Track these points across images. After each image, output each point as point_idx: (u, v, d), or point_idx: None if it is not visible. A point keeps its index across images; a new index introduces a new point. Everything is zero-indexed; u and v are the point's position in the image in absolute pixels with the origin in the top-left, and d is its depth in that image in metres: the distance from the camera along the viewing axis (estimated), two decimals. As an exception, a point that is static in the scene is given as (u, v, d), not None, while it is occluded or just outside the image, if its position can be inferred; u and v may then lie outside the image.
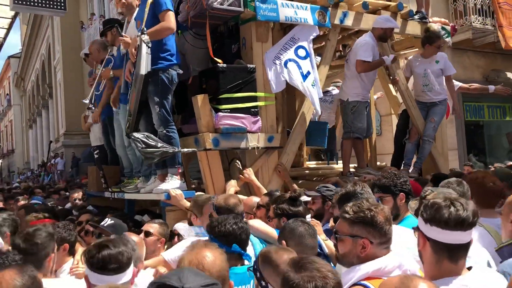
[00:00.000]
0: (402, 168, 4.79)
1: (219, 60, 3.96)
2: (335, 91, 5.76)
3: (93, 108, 4.87)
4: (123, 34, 4.07)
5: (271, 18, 4.10)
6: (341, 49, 5.94)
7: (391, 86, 5.44)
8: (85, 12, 19.67)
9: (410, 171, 4.77)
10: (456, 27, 5.61)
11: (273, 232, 2.81)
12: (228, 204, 2.91)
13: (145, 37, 3.61)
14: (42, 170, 23.07)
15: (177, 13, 4.08)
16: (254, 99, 4.03)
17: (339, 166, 5.41)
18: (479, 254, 2.09)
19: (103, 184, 4.80)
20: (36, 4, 7.42)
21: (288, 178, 4.16)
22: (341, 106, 4.78)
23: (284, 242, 2.27)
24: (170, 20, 3.73)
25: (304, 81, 4.15)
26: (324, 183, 3.86)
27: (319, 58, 4.70)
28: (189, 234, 3.04)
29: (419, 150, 4.96)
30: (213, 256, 1.66)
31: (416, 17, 4.96)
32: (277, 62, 4.14)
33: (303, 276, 1.47)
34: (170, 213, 3.67)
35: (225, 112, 3.88)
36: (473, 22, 9.85)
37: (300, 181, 4.70)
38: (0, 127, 44.45)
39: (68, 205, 6.34)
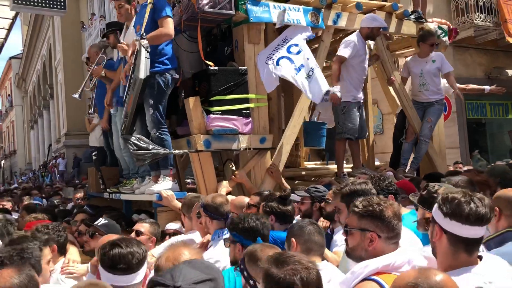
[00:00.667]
0: (399, 168, 4.85)
1: (211, 63, 4.04)
2: None
3: (94, 113, 4.98)
4: (121, 41, 4.17)
5: (264, 20, 4.16)
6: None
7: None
8: (86, 12, 19.82)
9: (406, 170, 4.82)
10: (457, 30, 5.65)
11: None
12: (215, 203, 2.99)
13: (145, 42, 3.72)
14: (43, 170, 23.27)
15: None
16: (246, 100, 4.10)
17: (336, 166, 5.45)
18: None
19: (101, 185, 4.91)
20: (36, 4, 7.44)
21: (280, 179, 4.22)
22: (333, 107, 4.85)
23: (293, 240, 2.30)
24: (169, 26, 3.85)
25: (296, 74, 4.19)
26: (316, 184, 3.93)
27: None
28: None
29: (415, 150, 5.01)
30: (189, 254, 1.71)
31: (412, 16, 5.00)
32: (269, 62, 4.19)
33: (286, 270, 1.51)
34: (161, 213, 3.76)
35: (217, 114, 3.96)
36: (475, 20, 9.86)
37: (296, 182, 4.77)
38: (2, 128, 44.87)
39: (71, 204, 6.50)
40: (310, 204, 3.46)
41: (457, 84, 5.31)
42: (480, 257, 1.73)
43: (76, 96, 4.95)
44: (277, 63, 4.19)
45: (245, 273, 2.06)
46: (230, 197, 3.82)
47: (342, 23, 4.58)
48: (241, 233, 2.40)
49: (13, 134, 38.51)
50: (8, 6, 7.81)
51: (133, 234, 3.09)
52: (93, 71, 4.81)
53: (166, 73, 3.93)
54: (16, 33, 36.10)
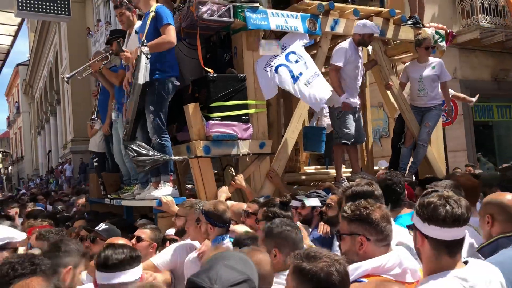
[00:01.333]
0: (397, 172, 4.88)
1: (210, 70, 4.13)
2: None
3: (96, 119, 5.11)
4: (124, 48, 4.29)
5: (262, 27, 4.25)
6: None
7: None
8: (92, 18, 20.14)
9: (405, 175, 4.87)
10: (454, 33, 5.70)
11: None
12: (218, 210, 2.99)
13: (145, 49, 3.82)
14: (50, 176, 23.58)
15: None
16: (245, 106, 4.18)
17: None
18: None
19: (102, 191, 5.02)
20: (40, 10, 7.51)
21: (280, 184, 4.29)
22: (329, 112, 4.93)
23: (276, 250, 2.26)
24: (171, 34, 3.94)
25: (294, 83, 4.27)
26: (316, 189, 4.01)
27: None
28: None
29: (414, 154, 5.06)
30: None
31: (409, 22, 5.08)
32: (268, 69, 4.28)
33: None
34: (162, 219, 3.83)
35: (216, 120, 4.04)
36: (481, 22, 9.85)
37: (295, 186, 4.85)
38: (9, 134, 45.52)
39: (74, 210, 6.63)
40: (310, 209, 3.53)
41: (454, 92, 5.36)
42: (466, 262, 1.75)
43: (67, 75, 5.12)
44: (276, 71, 4.28)
45: None
46: (229, 203, 3.92)
47: (340, 29, 4.66)
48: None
49: (21, 140, 39.04)
50: (13, 13, 7.98)
51: (134, 240, 3.12)
52: (91, 64, 4.92)
53: (167, 80, 4.03)
54: (23, 40, 36.71)
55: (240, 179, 4.13)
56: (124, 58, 4.12)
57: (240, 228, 3.10)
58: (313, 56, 4.65)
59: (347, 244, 1.94)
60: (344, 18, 4.70)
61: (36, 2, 7.32)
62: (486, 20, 9.92)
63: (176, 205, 3.80)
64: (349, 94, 4.70)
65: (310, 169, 5.99)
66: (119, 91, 4.54)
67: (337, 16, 4.64)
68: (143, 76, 3.80)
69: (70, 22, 19.45)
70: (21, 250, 3.04)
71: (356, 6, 4.73)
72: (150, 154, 3.79)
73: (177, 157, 4.05)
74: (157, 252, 3.30)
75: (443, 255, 1.69)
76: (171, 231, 3.73)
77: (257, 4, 4.25)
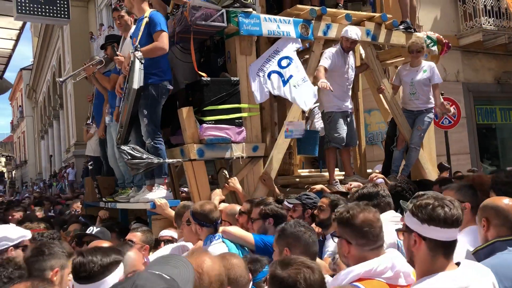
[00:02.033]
0: (390, 175, 4.98)
1: (203, 74, 4.24)
2: None
3: (91, 124, 5.24)
4: (118, 53, 4.42)
5: (254, 32, 4.35)
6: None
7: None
8: (94, 23, 20.39)
9: (397, 177, 4.95)
10: (450, 44, 5.77)
11: (249, 237, 3.04)
12: (204, 210, 3.10)
13: (139, 54, 3.93)
14: (53, 180, 23.80)
15: None
16: (238, 110, 4.27)
17: (329, 174, 5.60)
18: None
19: (97, 194, 5.14)
20: (40, 13, 7.58)
21: (273, 187, 4.38)
22: (322, 116, 5.03)
23: (287, 250, 2.28)
24: (163, 40, 4.04)
25: (284, 86, 4.36)
26: (308, 191, 4.10)
27: None
28: None
29: (406, 157, 5.14)
30: (211, 262, 1.69)
31: (401, 27, 5.18)
32: (261, 74, 4.38)
33: (290, 271, 1.60)
34: (156, 221, 3.94)
35: (210, 123, 4.13)
36: (483, 24, 9.84)
37: (287, 189, 4.94)
38: (13, 138, 46.01)
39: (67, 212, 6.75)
40: (301, 211, 3.61)
41: (441, 100, 5.42)
42: (458, 264, 1.76)
43: (60, 79, 5.29)
44: (269, 77, 4.38)
45: None
46: (223, 205, 4.02)
47: (332, 34, 4.76)
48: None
49: (24, 144, 39.40)
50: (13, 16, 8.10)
51: None
52: (85, 68, 5.05)
53: (160, 85, 4.12)
54: (27, 45, 37.08)
55: (233, 181, 4.22)
56: (118, 62, 4.23)
57: (233, 229, 3.20)
58: (306, 61, 4.76)
59: (338, 247, 1.99)
60: (337, 23, 4.79)
61: (35, 6, 7.38)
62: (489, 23, 9.91)
63: (170, 207, 3.92)
64: (340, 98, 4.78)
65: (304, 172, 6.09)
66: (113, 95, 4.65)
67: (330, 21, 4.75)
68: (137, 81, 3.90)
69: (72, 26, 19.84)
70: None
71: (348, 11, 4.84)
72: (144, 157, 3.90)
73: (171, 160, 4.16)
74: (151, 253, 3.42)
75: (438, 256, 1.71)
76: (165, 233, 3.84)
77: (250, 9, 4.36)
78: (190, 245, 3.29)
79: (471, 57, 10.37)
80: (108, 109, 4.79)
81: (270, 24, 4.44)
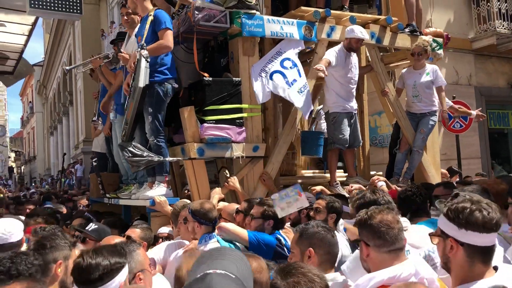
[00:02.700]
0: (392, 177, 5.01)
1: (205, 74, 4.31)
2: None
3: (97, 121, 5.36)
4: (122, 50, 4.52)
5: (257, 34, 4.40)
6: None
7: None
8: (105, 20, 20.65)
9: (400, 180, 4.98)
10: (449, 35, 5.78)
11: (244, 233, 3.09)
12: (204, 208, 3.15)
13: (145, 52, 3.99)
14: (62, 176, 24.12)
15: None
16: (240, 110, 4.33)
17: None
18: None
19: (101, 190, 5.25)
20: (52, 8, 7.65)
21: (272, 187, 4.43)
22: (325, 118, 5.07)
23: (311, 249, 2.24)
24: (168, 38, 4.10)
25: (289, 88, 4.42)
26: (308, 192, 4.16)
27: None
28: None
29: (409, 160, 5.16)
30: None
31: (406, 30, 5.20)
32: (263, 74, 4.44)
33: (289, 282, 1.54)
34: (155, 218, 4.01)
35: (211, 123, 4.20)
36: (497, 27, 9.73)
37: (290, 190, 4.97)
38: (23, 134, 46.74)
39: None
40: (298, 212, 3.67)
41: (452, 104, 5.42)
42: (496, 268, 1.70)
43: (67, 68, 5.43)
44: (271, 77, 4.44)
45: None
46: (222, 204, 4.10)
47: (336, 36, 4.80)
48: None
49: (34, 140, 39.99)
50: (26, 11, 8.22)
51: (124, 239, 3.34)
52: (92, 60, 5.15)
53: (166, 83, 4.20)
54: (38, 41, 37.61)
55: (233, 181, 4.28)
56: (123, 59, 4.30)
57: (229, 225, 3.26)
58: (309, 63, 4.81)
59: (360, 250, 1.99)
60: (341, 25, 4.83)
61: (48, 0, 7.47)
62: (503, 26, 9.78)
63: (170, 205, 4.00)
64: (345, 98, 4.81)
65: (307, 172, 6.13)
66: (118, 92, 4.74)
67: (334, 23, 4.79)
68: (143, 79, 3.96)
69: (84, 23, 20.10)
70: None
71: (353, 14, 4.88)
72: (144, 155, 3.98)
73: (171, 158, 4.24)
74: (149, 250, 3.50)
75: (477, 263, 1.64)
76: (163, 230, 3.92)
77: (254, 11, 4.42)
78: (187, 242, 3.36)
79: (484, 61, 10.24)
80: (113, 105, 4.88)
81: (274, 26, 4.49)
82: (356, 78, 4.97)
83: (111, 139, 5.25)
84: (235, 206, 3.82)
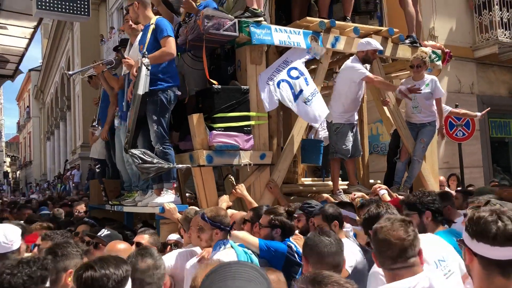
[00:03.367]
0: (392, 186, 5.12)
1: (214, 82, 4.38)
2: None
3: (97, 126, 5.44)
4: (126, 56, 4.62)
5: (266, 42, 4.48)
6: (338, 70, 6.35)
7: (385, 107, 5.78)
8: (105, 25, 20.80)
9: (400, 189, 5.09)
10: (451, 53, 5.93)
11: (255, 241, 3.14)
12: (220, 215, 3.19)
13: (146, 60, 4.05)
14: (58, 181, 24.12)
15: (177, 36, 4.52)
16: (247, 118, 4.40)
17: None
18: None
19: (104, 197, 5.31)
20: (60, 9, 7.47)
21: (279, 194, 4.50)
22: (327, 126, 5.18)
23: (303, 258, 2.30)
24: (171, 46, 4.17)
25: (295, 101, 4.51)
26: (310, 200, 4.24)
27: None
28: None
29: (409, 170, 5.26)
30: None
31: (406, 41, 5.34)
32: (270, 82, 4.51)
33: None
34: (164, 225, 4.03)
35: (219, 130, 4.26)
36: (499, 36, 9.79)
37: (291, 197, 5.08)
38: (19, 138, 46.69)
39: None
40: (306, 220, 3.71)
41: (451, 108, 5.52)
42: None
43: (69, 72, 5.50)
44: (278, 85, 4.53)
45: None
46: (230, 211, 4.18)
47: (340, 46, 4.90)
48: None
49: (30, 145, 39.94)
50: (30, 15, 8.19)
51: (133, 246, 3.23)
52: (94, 66, 5.21)
53: (169, 90, 4.25)
54: (36, 46, 37.52)
55: (241, 188, 4.33)
56: (127, 65, 4.36)
57: (240, 233, 3.29)
58: (314, 71, 4.93)
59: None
60: (345, 35, 4.93)
61: (55, 2, 7.33)
62: (505, 35, 9.85)
63: (179, 212, 4.08)
64: (352, 111, 4.92)
65: (307, 180, 6.22)
66: (121, 98, 4.79)
67: (338, 34, 4.88)
68: (143, 87, 4.02)
69: (83, 28, 20.22)
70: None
71: (356, 24, 4.99)
72: (154, 161, 4.04)
73: (180, 165, 4.30)
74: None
75: (495, 275, 1.55)
76: (172, 237, 3.98)
77: (262, 19, 4.52)
78: (198, 249, 3.39)
79: (486, 70, 10.29)
80: (117, 112, 4.93)
81: (281, 35, 4.57)
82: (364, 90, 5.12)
83: (111, 145, 5.31)
84: (242, 214, 3.87)
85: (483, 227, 1.57)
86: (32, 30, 9.57)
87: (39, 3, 6.90)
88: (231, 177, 4.68)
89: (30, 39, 9.95)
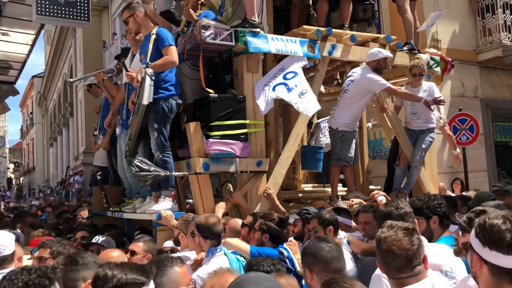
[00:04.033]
0: (391, 192, 5.20)
1: (211, 90, 4.51)
2: None
3: (98, 135, 5.60)
4: (129, 69, 4.76)
5: (262, 50, 4.58)
6: (338, 77, 6.49)
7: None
8: (107, 32, 21.08)
9: (399, 195, 5.16)
10: (453, 62, 6.03)
11: (247, 248, 3.27)
12: (208, 223, 3.31)
13: (150, 71, 4.17)
14: (61, 188, 24.38)
15: (175, 46, 4.62)
16: (244, 126, 4.50)
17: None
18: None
19: (104, 204, 5.46)
20: (60, 15, 7.49)
21: (275, 201, 4.60)
22: (331, 132, 5.29)
23: (307, 270, 2.28)
24: (173, 54, 4.30)
25: (289, 92, 4.59)
26: (308, 206, 4.35)
27: None
28: None
29: (407, 176, 5.35)
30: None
31: (405, 48, 5.45)
32: (266, 88, 4.60)
33: None
34: (160, 232, 4.15)
35: (216, 138, 4.36)
36: (503, 40, 9.84)
37: (291, 204, 5.19)
38: (22, 145, 47.20)
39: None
40: (302, 226, 3.83)
41: (442, 121, 5.58)
42: None
43: (71, 80, 5.66)
44: (273, 89, 4.61)
45: None
46: (226, 218, 4.29)
47: (337, 54, 5.00)
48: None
49: (33, 151, 40.36)
50: (31, 21, 8.30)
51: (128, 255, 3.38)
52: (95, 74, 5.36)
53: (170, 99, 4.37)
54: (39, 52, 38.02)
55: (237, 195, 4.44)
56: (130, 78, 4.47)
57: (232, 241, 3.44)
58: (311, 78, 5.04)
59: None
60: (342, 43, 5.03)
61: (55, 7, 7.38)
62: (508, 38, 9.91)
63: (175, 219, 4.21)
64: (357, 119, 5.07)
65: (307, 187, 6.32)
66: (122, 106, 4.89)
67: (335, 42, 4.98)
68: (147, 97, 4.14)
69: (85, 35, 20.48)
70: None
71: (353, 32, 5.11)
72: (151, 169, 4.17)
73: (177, 173, 4.42)
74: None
75: (505, 284, 1.54)
76: (168, 244, 4.09)
77: (258, 29, 4.65)
78: (193, 254, 3.49)
79: (490, 73, 10.33)
80: (118, 120, 5.06)
81: (277, 43, 4.66)
82: None
83: (113, 153, 5.45)
84: (238, 221, 3.98)
85: (497, 235, 1.54)
86: (34, 36, 9.64)
87: (39, 9, 6.96)
88: (229, 184, 4.79)
89: (32, 46, 10.03)
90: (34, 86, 36.55)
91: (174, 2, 5.82)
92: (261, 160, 4.61)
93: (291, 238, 3.78)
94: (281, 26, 5.59)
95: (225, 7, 5.06)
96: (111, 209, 5.27)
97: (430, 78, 5.52)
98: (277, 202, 4.60)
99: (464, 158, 8.17)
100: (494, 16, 9.96)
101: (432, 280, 1.91)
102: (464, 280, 2.08)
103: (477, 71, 10.27)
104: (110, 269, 1.85)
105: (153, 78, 4.21)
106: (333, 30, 5.01)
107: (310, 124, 6.43)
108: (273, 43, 4.69)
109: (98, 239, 3.57)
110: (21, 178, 45.80)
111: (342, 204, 4.93)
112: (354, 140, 5.10)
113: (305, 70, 5.04)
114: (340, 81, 6.41)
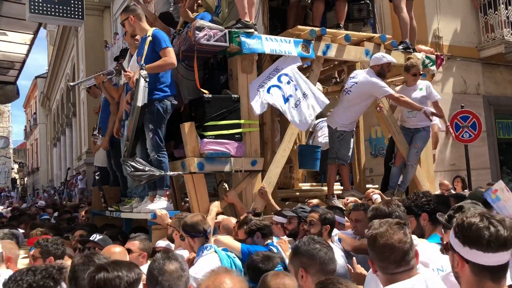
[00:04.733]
0: (387, 191, 5.28)
1: (205, 91, 4.60)
2: None
3: (98, 135, 5.72)
4: (127, 69, 4.86)
5: (256, 50, 4.66)
6: (336, 75, 6.56)
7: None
8: (109, 31, 21.22)
9: (394, 194, 5.24)
10: (443, 57, 6.08)
11: (238, 246, 3.35)
12: (192, 222, 3.42)
13: (144, 72, 4.26)
14: (63, 188, 24.60)
15: None
16: (238, 126, 4.60)
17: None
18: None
19: (102, 203, 5.58)
20: (53, 13, 7.42)
21: (269, 200, 4.68)
22: (329, 131, 5.37)
23: (302, 270, 2.28)
24: (171, 56, 4.39)
25: (285, 103, 4.70)
26: (304, 205, 4.44)
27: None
28: None
29: (403, 174, 5.43)
30: (231, 283, 1.72)
31: (400, 47, 5.51)
32: (261, 89, 4.71)
33: None
34: (156, 231, 4.25)
35: (210, 138, 4.47)
36: (505, 36, 9.85)
37: (287, 202, 5.28)
38: (26, 145, 47.63)
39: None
40: (297, 224, 3.90)
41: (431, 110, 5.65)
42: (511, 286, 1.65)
43: (71, 83, 5.81)
44: (268, 91, 4.74)
45: None
46: (221, 217, 4.40)
47: (332, 53, 5.07)
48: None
49: (37, 151, 40.68)
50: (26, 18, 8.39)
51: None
52: (95, 77, 5.45)
53: (166, 100, 4.46)
54: (42, 53, 38.31)
55: (231, 194, 4.54)
56: (128, 78, 4.56)
57: (223, 239, 3.53)
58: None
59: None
60: (336, 43, 5.10)
61: (49, 6, 7.35)
62: (511, 34, 9.92)
63: (170, 218, 4.31)
64: (356, 120, 5.16)
65: (305, 185, 6.40)
66: (125, 111, 5.07)
67: (329, 41, 5.05)
68: (141, 99, 4.23)
69: (87, 35, 20.63)
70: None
71: (348, 32, 5.18)
72: (146, 169, 4.27)
73: (172, 173, 4.53)
74: (148, 261, 3.78)
75: (486, 281, 1.58)
76: (161, 243, 4.12)
77: (252, 30, 4.73)
78: (185, 252, 3.58)
79: (492, 70, 10.33)
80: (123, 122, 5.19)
81: (272, 44, 4.75)
82: None
83: (112, 153, 5.57)
84: (232, 220, 4.08)
85: (476, 234, 1.57)
86: (32, 36, 9.64)
87: (32, 7, 6.94)
88: (225, 184, 4.89)
89: (31, 45, 10.04)
90: (38, 86, 36.84)
91: (172, 4, 5.93)
92: (255, 160, 4.70)
93: (284, 236, 3.87)
94: (277, 26, 5.67)
95: (221, 8, 5.15)
96: (109, 208, 5.37)
97: (426, 76, 5.57)
98: (272, 200, 4.69)
99: (467, 155, 8.17)
100: (496, 12, 9.96)
101: (425, 276, 1.94)
102: (446, 276, 2.14)
103: (480, 67, 10.27)
104: (110, 271, 1.85)
105: (147, 80, 4.30)
106: (328, 29, 5.08)
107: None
108: (267, 44, 4.77)
109: (95, 237, 3.67)
110: (25, 179, 46.21)
111: (338, 202, 5.00)
112: (352, 140, 5.17)
113: (301, 70, 5.11)
114: (338, 80, 6.48)
